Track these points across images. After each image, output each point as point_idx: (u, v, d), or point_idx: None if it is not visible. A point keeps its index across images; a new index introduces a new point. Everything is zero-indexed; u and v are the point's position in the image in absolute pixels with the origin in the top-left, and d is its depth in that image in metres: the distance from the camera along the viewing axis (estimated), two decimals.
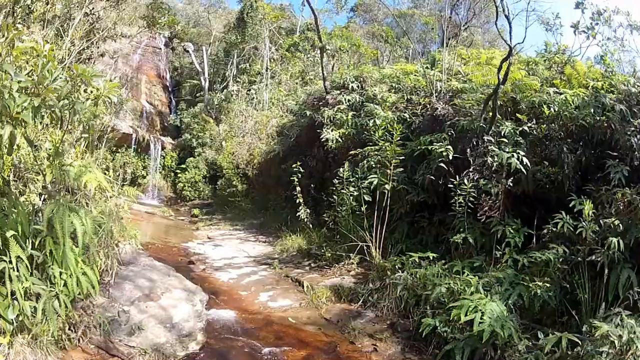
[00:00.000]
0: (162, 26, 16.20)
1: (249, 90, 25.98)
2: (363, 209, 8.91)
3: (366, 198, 8.99)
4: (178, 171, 27.21)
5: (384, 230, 8.65)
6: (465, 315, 5.55)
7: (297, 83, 24.22)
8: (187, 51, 35.28)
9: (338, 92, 12.86)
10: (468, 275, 6.67)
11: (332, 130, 11.51)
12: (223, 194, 20.67)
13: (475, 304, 5.66)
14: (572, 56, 10.90)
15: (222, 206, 20.08)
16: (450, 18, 17.88)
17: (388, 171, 8.77)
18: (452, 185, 7.96)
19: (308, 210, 11.09)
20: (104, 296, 6.05)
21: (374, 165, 9.37)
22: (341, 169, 9.55)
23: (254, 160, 18.39)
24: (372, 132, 10.34)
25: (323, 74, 14.30)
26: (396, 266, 7.76)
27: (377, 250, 8.55)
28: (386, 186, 8.66)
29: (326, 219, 10.19)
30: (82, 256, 5.34)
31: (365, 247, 8.75)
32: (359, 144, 10.75)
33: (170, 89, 36.47)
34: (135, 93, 31.96)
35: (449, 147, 8.38)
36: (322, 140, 11.49)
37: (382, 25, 34.28)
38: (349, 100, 12.25)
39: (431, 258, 7.47)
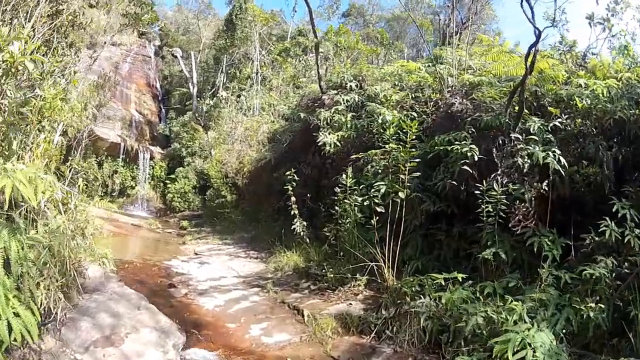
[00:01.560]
0: (146, 23, 15.12)
1: (239, 96, 25.05)
2: (374, 221, 7.59)
3: (378, 209, 7.72)
4: (167, 181, 26.84)
5: (398, 246, 7.41)
6: (514, 352, 4.42)
7: (289, 88, 23.22)
8: (176, 56, 35.01)
9: (335, 92, 11.89)
10: (507, 298, 5.50)
11: (329, 134, 10.46)
12: (212, 205, 19.56)
13: (521, 337, 4.54)
14: (590, 49, 10.15)
15: (211, 218, 18.99)
16: (453, 12, 16.89)
17: (402, 176, 7.55)
18: (477, 192, 6.82)
19: (304, 223, 9.93)
20: (54, 337, 4.81)
21: (380, 171, 8.22)
22: (344, 175, 8.41)
23: (244, 169, 17.26)
24: (376, 134, 9.52)
25: (318, 72, 13.20)
26: (414, 288, 6.56)
27: (390, 269, 7.31)
28: (400, 194, 7.45)
29: (327, 233, 8.86)
30: (16, 291, 4.12)
31: (375, 266, 7.53)
32: (360, 147, 9.84)
33: (160, 98, 36.35)
34: (124, 102, 31.68)
35: (473, 146, 7.23)
36: (319, 144, 10.49)
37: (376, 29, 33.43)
38: (347, 101, 11.33)
39: (460, 280, 6.18)
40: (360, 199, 8.06)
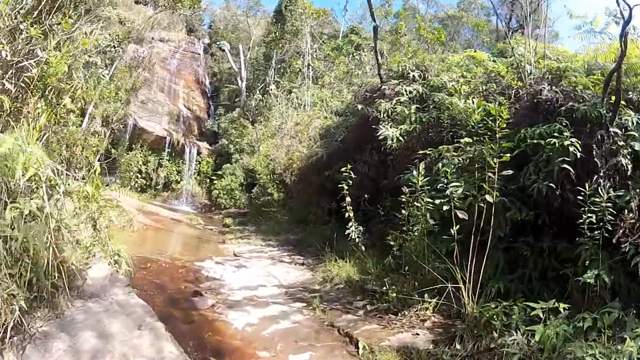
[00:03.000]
0: (187, 7, 14.22)
1: (290, 92, 24.08)
2: (454, 230, 6.06)
3: (460, 215, 6.18)
4: (214, 177, 26.34)
5: (474, 263, 5.95)
6: None
7: (342, 84, 22.06)
8: (223, 50, 34.68)
9: (396, 82, 10.52)
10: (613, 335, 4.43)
11: (390, 127, 9.05)
12: (257, 203, 18.48)
13: None
14: None
15: (256, 216, 17.94)
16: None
17: (491, 175, 6.04)
18: (579, 198, 5.53)
19: (361, 228, 8.57)
20: (16, 356, 3.64)
21: (454, 170, 6.82)
22: (414, 173, 6.95)
23: (293, 166, 15.96)
24: (446, 127, 8.47)
25: (377, 58, 11.80)
26: (498, 317, 5.17)
27: (470, 292, 5.87)
28: (487, 197, 6.00)
29: (390, 242, 7.36)
30: None
31: (451, 287, 6.10)
32: (426, 143, 8.55)
33: (209, 95, 36.26)
34: (172, 97, 31.71)
35: (575, 140, 5.80)
36: (378, 139, 9.22)
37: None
38: (410, 92, 10.03)
39: (562, 311, 4.76)
40: (437, 201, 6.55)
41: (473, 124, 6.58)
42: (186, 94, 33.69)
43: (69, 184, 5.92)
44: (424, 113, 9.40)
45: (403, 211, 7.04)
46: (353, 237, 8.40)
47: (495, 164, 6.05)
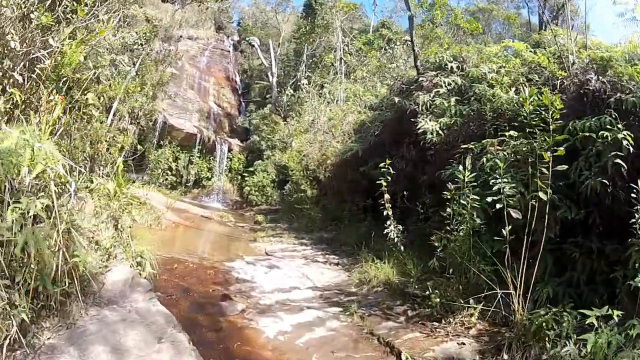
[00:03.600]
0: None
1: (322, 87, 23.68)
2: (506, 230, 5.44)
3: (513, 214, 5.59)
4: (245, 174, 26.17)
5: (531, 266, 5.39)
6: None
7: (375, 78, 21.51)
8: (253, 45, 34.64)
9: (433, 73, 10.04)
10: None
11: (430, 120, 8.58)
12: (290, 200, 18.02)
13: None
14: None
15: (288, 213, 17.44)
16: None
17: (544, 170, 5.46)
18: (632, 196, 4.92)
19: (400, 227, 8.05)
20: None
21: (499, 164, 6.27)
22: (460, 167, 6.39)
23: (327, 161, 15.49)
24: (489, 120, 8.02)
25: (413, 50, 11.26)
26: (548, 325, 4.65)
27: (520, 298, 5.30)
28: (540, 194, 5.41)
29: (434, 242, 6.72)
30: None
31: (496, 290, 5.58)
32: (466, 137, 8.09)
33: (239, 91, 36.30)
34: (202, 94, 31.88)
35: (627, 133, 5.34)
36: (417, 133, 8.84)
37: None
38: (448, 84, 9.74)
39: (615, 318, 4.27)
40: (489, 199, 5.99)
41: (525, 114, 5.97)
42: (216, 91, 33.69)
43: (90, 182, 5.60)
44: (464, 105, 9.00)
45: (448, 209, 6.47)
46: (392, 237, 7.88)
47: (549, 158, 5.48)
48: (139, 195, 12.11)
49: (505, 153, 6.61)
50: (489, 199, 5.90)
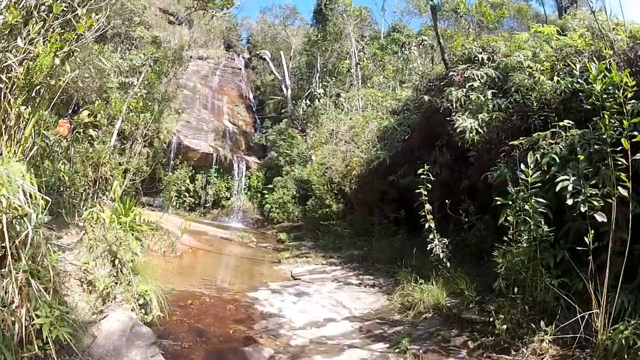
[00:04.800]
0: (219, 7, 13.20)
1: (338, 95, 23.00)
2: (589, 238, 4.53)
3: (598, 218, 4.62)
4: (265, 192, 25.61)
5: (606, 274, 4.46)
6: None
7: (393, 82, 20.76)
8: (264, 59, 34.53)
9: (464, 66, 9.29)
10: None
11: (467, 117, 7.66)
12: (314, 216, 17.03)
13: None
14: None
15: (312, 231, 16.49)
16: None
17: (622, 160, 4.55)
18: None
19: (445, 241, 7.05)
20: None
21: (556, 159, 5.39)
22: (522, 166, 5.38)
23: (352, 172, 14.52)
24: (537, 111, 7.09)
25: (439, 42, 10.29)
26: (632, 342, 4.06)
27: (603, 316, 4.38)
28: (620, 190, 4.47)
29: (498, 259, 5.58)
30: None
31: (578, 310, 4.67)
32: (510, 133, 7.37)
33: (254, 109, 36.20)
34: (216, 114, 31.81)
35: None
36: (457, 131, 7.89)
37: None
38: (481, 77, 8.76)
39: None
40: (570, 201, 4.94)
41: (597, 94, 4.96)
42: (230, 109, 33.54)
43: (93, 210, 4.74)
44: (502, 99, 8.17)
45: (507, 217, 5.45)
46: (437, 252, 6.88)
47: (628, 146, 4.51)
48: (153, 220, 11.37)
49: (560, 146, 5.76)
50: (570, 201, 4.94)
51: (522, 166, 5.29)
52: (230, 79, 37.04)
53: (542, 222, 5.19)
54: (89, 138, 7.88)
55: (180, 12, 37.26)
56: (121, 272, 5.12)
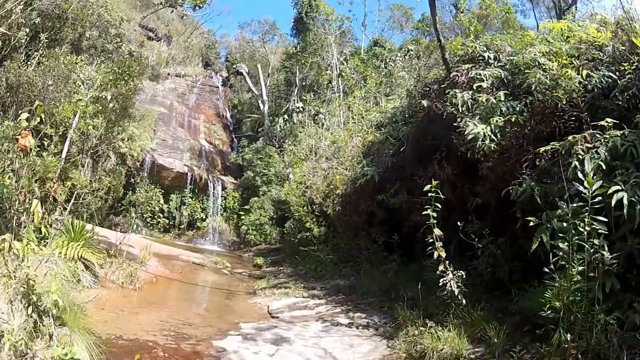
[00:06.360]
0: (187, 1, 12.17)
1: (318, 112, 21.93)
2: None
3: None
4: (241, 213, 25.07)
5: None
6: None
7: (378, 96, 19.65)
8: (241, 73, 34.44)
9: (468, 66, 8.44)
10: None
11: (478, 123, 6.45)
12: (293, 241, 15.68)
13: None
14: None
15: (291, 255, 15.20)
16: None
17: None
18: None
19: (462, 274, 5.62)
20: None
21: (602, 166, 4.46)
22: (579, 174, 4.09)
23: (335, 192, 13.18)
24: (566, 111, 6.24)
25: (439, 39, 8.99)
26: None
27: None
28: None
29: (545, 300, 4.21)
30: None
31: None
32: (531, 138, 6.44)
33: (231, 128, 36.01)
34: (192, 132, 31.61)
35: None
36: (468, 137, 6.67)
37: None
38: (490, 77, 7.85)
39: None
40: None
41: None
42: (207, 128, 33.17)
43: None
44: (515, 100, 7.31)
45: (560, 244, 4.06)
46: (451, 288, 5.43)
47: None
48: (113, 242, 10.11)
49: (601, 151, 4.84)
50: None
51: (580, 175, 3.96)
52: (207, 97, 36.74)
53: (605, 247, 3.87)
54: (37, 149, 6.56)
55: (159, 29, 36.48)
56: (40, 322, 3.74)
